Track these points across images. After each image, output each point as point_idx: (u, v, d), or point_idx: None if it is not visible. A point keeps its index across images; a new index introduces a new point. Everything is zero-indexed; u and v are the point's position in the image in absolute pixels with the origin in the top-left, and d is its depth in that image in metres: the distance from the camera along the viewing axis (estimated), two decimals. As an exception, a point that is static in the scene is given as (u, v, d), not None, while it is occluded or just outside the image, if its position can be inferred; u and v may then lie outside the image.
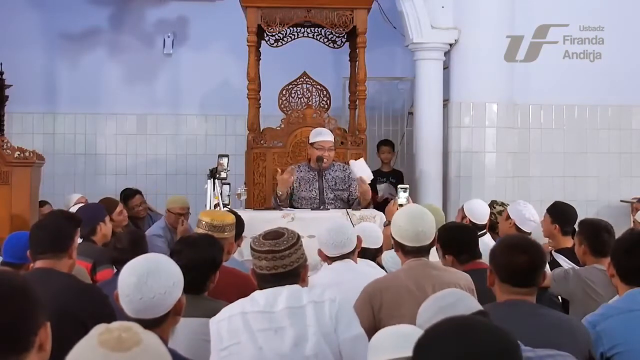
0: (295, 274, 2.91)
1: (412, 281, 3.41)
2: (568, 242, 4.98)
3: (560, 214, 5.03)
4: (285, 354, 2.79)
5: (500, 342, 1.55)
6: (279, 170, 6.21)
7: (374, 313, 3.36)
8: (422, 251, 3.51)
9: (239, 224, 4.35)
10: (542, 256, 2.96)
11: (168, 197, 6.90)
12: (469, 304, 2.43)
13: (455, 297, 2.45)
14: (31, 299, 1.72)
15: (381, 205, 6.92)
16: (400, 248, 3.53)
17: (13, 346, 1.66)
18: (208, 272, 3.30)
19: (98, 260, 4.58)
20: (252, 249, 2.94)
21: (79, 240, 4.72)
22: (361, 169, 6.13)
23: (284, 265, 2.88)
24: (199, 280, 3.21)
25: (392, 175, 8.17)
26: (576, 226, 4.67)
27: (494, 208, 5.63)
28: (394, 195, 7.70)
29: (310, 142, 6.28)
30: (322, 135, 6.27)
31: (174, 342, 2.58)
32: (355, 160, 6.32)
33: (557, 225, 4.98)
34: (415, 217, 3.51)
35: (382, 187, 7.97)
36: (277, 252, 2.87)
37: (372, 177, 6.29)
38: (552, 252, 5.00)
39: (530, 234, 4.97)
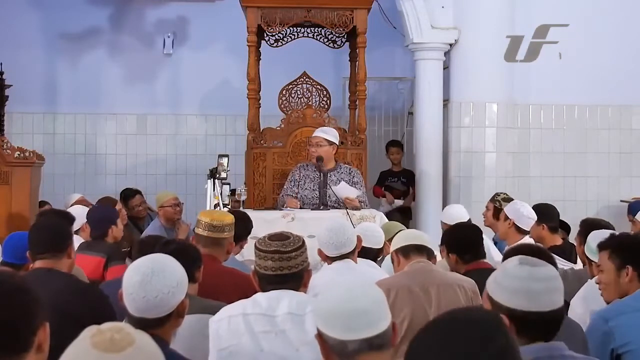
0: (299, 277, 2.91)
1: (415, 282, 3.43)
2: (557, 239, 5.07)
3: (542, 214, 5.10)
4: (286, 356, 2.78)
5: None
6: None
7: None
8: (423, 251, 3.58)
9: (247, 224, 4.40)
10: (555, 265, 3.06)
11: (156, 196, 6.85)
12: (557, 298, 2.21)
13: (547, 284, 2.18)
14: (31, 299, 1.72)
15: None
16: (401, 252, 3.60)
17: (12, 346, 1.67)
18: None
19: (111, 256, 4.69)
20: (257, 249, 2.93)
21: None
22: (343, 191, 5.95)
23: (289, 266, 2.88)
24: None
25: (403, 174, 8.19)
26: (577, 225, 4.68)
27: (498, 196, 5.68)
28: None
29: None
30: (315, 132, 6.30)
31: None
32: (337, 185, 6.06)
33: (544, 225, 5.07)
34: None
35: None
36: (284, 253, 2.87)
37: (358, 192, 6.06)
38: None
39: (529, 232, 4.99)
